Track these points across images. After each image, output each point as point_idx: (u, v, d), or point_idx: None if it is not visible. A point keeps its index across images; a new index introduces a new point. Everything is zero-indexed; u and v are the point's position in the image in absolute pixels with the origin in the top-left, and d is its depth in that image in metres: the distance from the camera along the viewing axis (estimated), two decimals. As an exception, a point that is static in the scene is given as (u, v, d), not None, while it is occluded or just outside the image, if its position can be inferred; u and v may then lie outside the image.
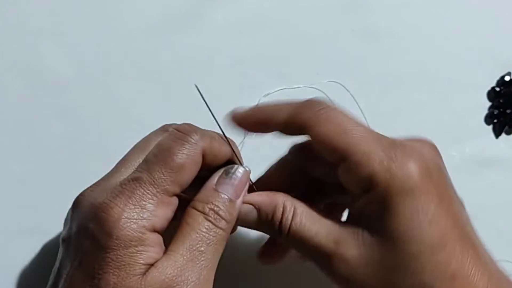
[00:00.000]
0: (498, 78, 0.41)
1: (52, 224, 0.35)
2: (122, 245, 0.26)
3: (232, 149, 0.30)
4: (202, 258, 0.27)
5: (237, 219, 0.29)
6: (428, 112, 0.40)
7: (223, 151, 0.30)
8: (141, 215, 0.26)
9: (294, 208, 0.29)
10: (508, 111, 0.40)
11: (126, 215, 0.26)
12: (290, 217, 0.29)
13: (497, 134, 0.41)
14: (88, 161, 0.38)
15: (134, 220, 0.26)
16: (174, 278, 0.26)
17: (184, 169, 0.28)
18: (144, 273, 0.26)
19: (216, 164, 0.30)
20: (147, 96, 0.39)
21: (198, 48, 0.40)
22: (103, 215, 0.26)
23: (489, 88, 0.41)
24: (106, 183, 0.28)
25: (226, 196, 0.29)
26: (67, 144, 0.38)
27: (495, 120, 0.40)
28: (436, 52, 0.41)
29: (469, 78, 0.41)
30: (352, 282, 0.27)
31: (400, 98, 0.41)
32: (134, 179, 0.27)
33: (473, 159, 0.40)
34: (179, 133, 0.29)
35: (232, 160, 0.30)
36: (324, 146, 0.28)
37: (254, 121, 0.31)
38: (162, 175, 0.27)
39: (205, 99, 0.30)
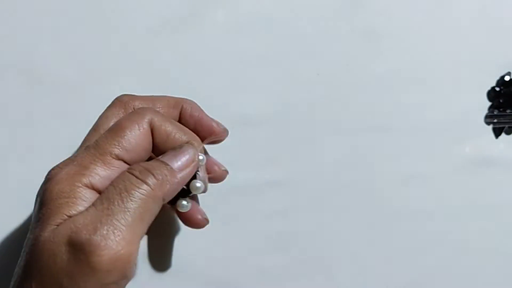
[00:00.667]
0: (498, 78, 0.41)
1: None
2: (53, 198, 0.26)
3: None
4: (118, 211, 0.26)
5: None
6: (428, 112, 0.40)
7: (177, 136, 0.30)
8: (79, 171, 0.27)
9: None
10: (508, 111, 0.40)
11: (64, 172, 0.27)
12: None
13: (497, 134, 0.41)
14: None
15: (71, 175, 0.27)
16: (82, 227, 0.25)
17: (126, 132, 0.28)
18: (58, 225, 0.26)
19: (169, 146, 0.30)
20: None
21: (198, 48, 0.40)
22: (47, 176, 0.28)
23: (489, 88, 0.41)
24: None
25: (167, 163, 0.29)
26: (67, 144, 0.38)
27: (495, 120, 0.40)
28: (436, 52, 0.41)
29: (469, 78, 0.41)
30: None
31: (400, 98, 0.40)
32: (84, 147, 0.29)
33: (473, 159, 0.40)
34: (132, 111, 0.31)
35: None
36: None
37: None
38: (106, 139, 0.28)
39: None
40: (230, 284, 0.38)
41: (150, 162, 0.28)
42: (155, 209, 0.27)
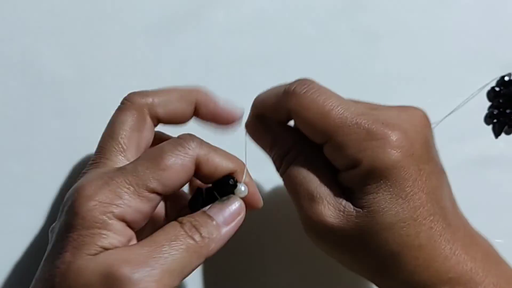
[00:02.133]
0: (498, 78, 0.41)
1: (52, 223, 0.35)
2: (86, 226, 0.26)
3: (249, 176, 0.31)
4: (161, 256, 0.26)
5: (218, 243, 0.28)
6: (428, 112, 0.40)
7: (224, 165, 0.30)
8: (113, 201, 0.26)
9: (299, 152, 0.30)
10: (508, 111, 0.40)
11: (97, 198, 0.26)
12: (292, 159, 0.30)
13: (497, 134, 0.41)
14: (88, 161, 0.38)
15: (104, 204, 0.26)
16: (122, 262, 0.25)
17: (169, 168, 0.27)
18: (96, 255, 0.25)
19: (217, 176, 0.30)
20: (147, 96, 0.39)
21: (198, 48, 0.40)
22: (76, 195, 0.26)
23: (489, 88, 0.41)
24: (92, 172, 0.28)
25: (213, 218, 0.28)
26: (67, 144, 0.38)
27: (495, 120, 0.41)
28: (436, 52, 0.41)
29: (469, 78, 0.41)
30: (324, 240, 0.30)
31: (400, 98, 0.40)
32: (118, 169, 0.28)
33: (473, 159, 0.40)
34: (177, 139, 0.29)
35: (235, 175, 0.30)
36: (307, 131, 0.30)
37: (257, 117, 0.33)
38: (145, 169, 0.27)
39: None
40: (230, 284, 0.38)
41: (197, 217, 0.28)
42: (196, 265, 0.27)
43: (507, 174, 0.40)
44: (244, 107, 0.33)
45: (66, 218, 0.27)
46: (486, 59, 0.41)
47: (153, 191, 0.27)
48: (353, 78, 0.40)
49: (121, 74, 0.39)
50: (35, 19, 0.39)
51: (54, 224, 0.28)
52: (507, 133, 0.41)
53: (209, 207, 0.29)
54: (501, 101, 0.41)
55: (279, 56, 0.40)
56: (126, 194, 0.27)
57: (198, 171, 0.29)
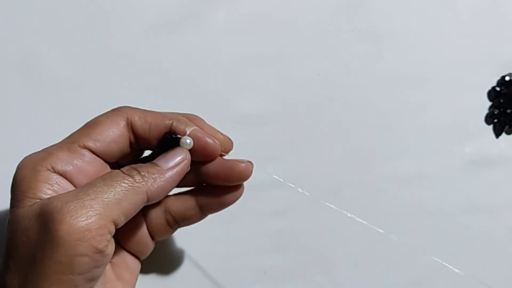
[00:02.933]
0: (498, 78, 0.41)
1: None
2: (20, 183, 0.27)
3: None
4: (94, 190, 0.26)
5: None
6: (428, 112, 0.40)
7: (158, 121, 0.30)
8: (44, 157, 0.28)
9: None
10: (508, 111, 0.40)
11: (31, 157, 0.28)
12: None
13: (497, 134, 0.41)
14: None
15: (34, 161, 0.28)
16: (53, 200, 0.26)
17: (98, 125, 0.29)
18: (33, 203, 0.26)
19: (154, 135, 0.30)
20: (147, 96, 0.39)
21: (198, 48, 0.40)
22: (18, 165, 0.28)
23: (489, 88, 0.41)
24: None
25: (156, 163, 0.29)
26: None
27: (495, 120, 0.40)
28: (436, 52, 0.41)
29: (469, 78, 0.41)
30: None
31: (400, 98, 0.40)
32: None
33: (473, 159, 0.40)
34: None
35: (176, 129, 0.30)
36: None
37: None
38: (77, 130, 0.29)
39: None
40: (230, 284, 0.38)
41: (140, 164, 0.29)
42: (135, 201, 0.27)
43: (507, 174, 0.40)
44: (240, 110, 0.33)
45: (11, 185, 0.28)
46: (486, 59, 0.41)
47: (84, 147, 0.29)
48: (353, 78, 0.40)
49: (121, 74, 0.39)
50: (35, 19, 0.39)
51: None
52: (508, 133, 0.41)
53: (155, 159, 0.30)
54: (501, 101, 0.40)
55: (279, 56, 0.40)
56: (57, 150, 0.28)
57: (135, 135, 0.30)
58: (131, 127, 0.30)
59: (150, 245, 0.32)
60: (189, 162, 0.30)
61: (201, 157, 0.31)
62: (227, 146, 0.32)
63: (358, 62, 0.41)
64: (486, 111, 0.41)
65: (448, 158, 0.40)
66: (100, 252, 0.25)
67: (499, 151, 0.41)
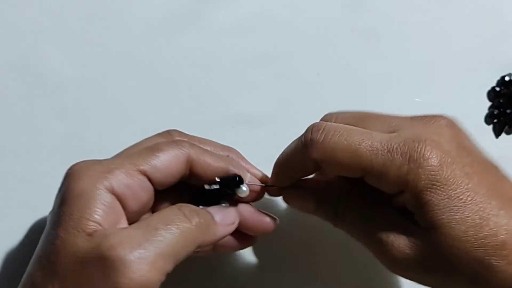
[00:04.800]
0: (498, 78, 0.41)
1: (52, 224, 0.35)
2: (75, 196, 0.26)
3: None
4: (157, 239, 0.26)
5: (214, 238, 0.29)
6: (428, 112, 0.40)
7: (216, 164, 0.31)
8: (103, 174, 0.27)
9: (346, 199, 0.30)
10: (508, 111, 0.40)
11: (88, 172, 0.27)
12: (344, 206, 0.30)
13: (497, 134, 0.41)
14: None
15: (94, 177, 0.27)
16: (117, 243, 0.25)
17: (161, 155, 0.29)
18: (91, 234, 0.26)
19: (211, 175, 0.30)
20: (147, 96, 0.39)
21: (198, 48, 0.40)
22: (69, 171, 0.28)
23: (489, 88, 0.41)
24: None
25: (211, 213, 0.29)
26: (67, 144, 0.38)
27: (495, 120, 0.40)
28: (436, 52, 0.41)
29: (469, 78, 0.41)
30: (412, 272, 0.29)
31: (400, 98, 0.40)
32: (115, 155, 0.30)
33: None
34: (172, 141, 0.31)
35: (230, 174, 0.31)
36: (342, 173, 0.29)
37: (284, 179, 0.32)
38: (138, 154, 0.29)
39: None
40: (230, 283, 0.38)
41: (197, 208, 0.29)
42: (190, 250, 0.27)
43: (507, 174, 0.40)
44: (241, 110, 0.33)
45: (59, 194, 0.28)
46: (486, 59, 0.41)
47: (143, 173, 0.28)
48: (353, 78, 0.40)
49: (121, 74, 0.39)
50: (35, 19, 0.39)
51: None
52: (508, 133, 0.41)
53: (209, 208, 0.30)
54: (501, 101, 0.40)
55: (279, 56, 0.40)
56: (116, 170, 0.28)
57: (191, 171, 0.30)
58: (190, 165, 0.30)
59: None
60: (236, 225, 0.31)
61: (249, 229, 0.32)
62: (265, 182, 0.33)
63: (358, 62, 0.41)
64: (486, 111, 0.41)
65: (448, 158, 0.40)
66: None
67: (499, 151, 0.40)
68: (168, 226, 0.27)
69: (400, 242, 0.28)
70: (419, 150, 0.28)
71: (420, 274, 0.29)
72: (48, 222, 0.28)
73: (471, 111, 0.41)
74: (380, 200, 0.30)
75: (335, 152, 0.28)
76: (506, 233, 0.27)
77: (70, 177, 0.28)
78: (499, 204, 0.27)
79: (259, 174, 0.33)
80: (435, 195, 0.27)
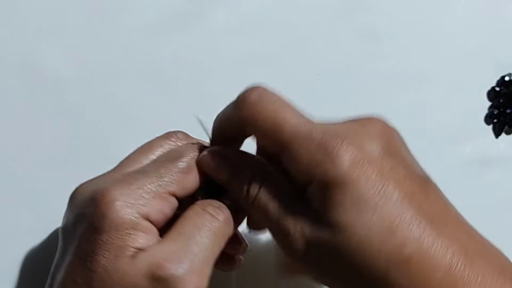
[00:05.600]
0: (498, 78, 0.41)
1: (52, 223, 0.35)
2: (114, 227, 0.26)
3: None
4: (196, 246, 0.27)
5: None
6: (428, 112, 0.40)
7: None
8: (137, 201, 0.27)
9: (265, 180, 0.28)
10: (508, 111, 0.40)
11: (122, 199, 0.26)
12: (258, 186, 0.28)
13: (497, 134, 0.41)
14: (88, 161, 0.38)
15: (129, 205, 0.26)
16: (163, 261, 0.26)
17: (189, 172, 0.29)
18: (134, 256, 0.26)
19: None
20: (147, 96, 0.39)
21: (198, 48, 0.40)
22: (99, 198, 0.27)
23: (489, 88, 0.41)
24: (107, 176, 0.29)
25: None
26: (67, 144, 0.38)
27: (495, 120, 0.40)
28: (436, 52, 0.41)
29: (469, 78, 0.41)
30: (307, 267, 0.27)
31: (400, 98, 0.40)
32: (139, 171, 0.28)
33: (473, 159, 0.40)
34: (191, 139, 0.31)
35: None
36: (261, 140, 0.29)
37: (218, 138, 0.31)
38: (167, 171, 0.28)
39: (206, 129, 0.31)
40: (229, 283, 0.38)
41: (217, 203, 0.29)
42: (222, 245, 0.28)
43: (507, 174, 0.40)
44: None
45: (92, 220, 0.27)
46: (486, 59, 0.41)
47: (173, 194, 0.28)
48: (353, 78, 0.40)
49: (121, 74, 0.39)
50: (35, 19, 0.39)
51: (65, 224, 0.29)
52: (507, 133, 0.41)
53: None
54: (501, 101, 0.40)
55: (279, 56, 0.40)
56: (149, 195, 0.27)
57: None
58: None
59: None
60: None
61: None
62: None
63: (358, 62, 0.41)
64: (486, 111, 0.41)
65: (448, 158, 0.40)
66: None
67: (499, 151, 0.41)
68: (201, 230, 0.27)
69: (307, 236, 0.26)
70: (335, 145, 0.26)
71: (322, 276, 0.28)
72: (76, 246, 0.27)
73: (471, 111, 0.41)
74: (294, 190, 0.28)
75: (260, 117, 0.28)
76: (412, 248, 0.25)
77: (104, 206, 0.27)
78: (413, 216, 0.25)
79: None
80: (340, 194, 0.25)
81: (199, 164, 0.29)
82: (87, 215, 0.27)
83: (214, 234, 0.27)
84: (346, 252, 0.25)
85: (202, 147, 0.30)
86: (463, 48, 0.41)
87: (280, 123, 0.27)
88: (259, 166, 0.29)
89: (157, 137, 0.32)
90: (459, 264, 0.25)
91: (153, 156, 0.30)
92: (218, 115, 0.31)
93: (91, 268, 0.26)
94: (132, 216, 0.26)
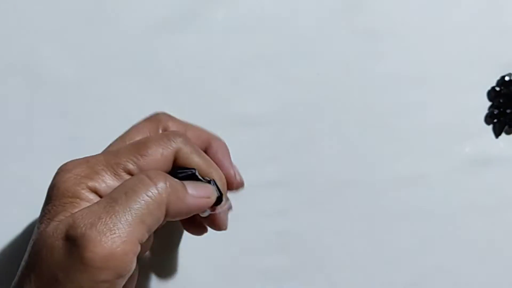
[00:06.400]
0: (498, 78, 0.41)
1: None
2: (59, 196, 0.27)
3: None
4: (121, 209, 0.25)
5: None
6: (428, 112, 0.40)
7: (203, 169, 0.30)
8: (88, 175, 0.27)
9: None
10: (508, 111, 0.40)
11: (74, 171, 0.27)
12: None
13: (497, 134, 0.41)
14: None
15: (79, 177, 0.27)
16: (78, 221, 0.25)
17: (149, 155, 0.28)
18: (62, 220, 0.26)
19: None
20: (147, 96, 0.39)
21: (198, 48, 0.40)
22: (58, 170, 0.28)
23: (489, 88, 0.41)
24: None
25: (183, 183, 0.29)
26: (67, 144, 0.38)
27: (495, 120, 0.40)
28: (436, 52, 0.41)
29: (469, 78, 0.41)
30: None
31: (400, 98, 0.40)
32: (103, 152, 0.29)
33: (473, 159, 0.40)
34: (165, 132, 0.31)
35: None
36: None
37: None
38: (127, 152, 0.28)
39: None
40: (230, 284, 0.38)
41: (166, 174, 0.28)
42: (158, 216, 0.27)
43: (507, 174, 0.40)
44: (240, 110, 0.33)
45: (47, 192, 0.28)
46: (486, 59, 0.41)
47: (129, 173, 0.28)
48: (353, 78, 0.40)
49: (121, 74, 0.39)
50: (35, 19, 0.39)
51: None
52: (508, 133, 0.41)
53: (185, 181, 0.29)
54: (501, 101, 0.40)
55: (279, 56, 0.40)
56: (102, 170, 0.28)
57: (175, 163, 0.29)
58: (175, 156, 0.29)
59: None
60: (211, 202, 0.30)
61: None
62: (237, 188, 0.33)
63: (358, 62, 0.41)
64: (486, 111, 0.41)
65: (448, 158, 0.40)
66: (123, 276, 0.25)
67: (499, 151, 0.41)
68: (130, 193, 0.26)
69: None
70: None
71: None
72: (37, 221, 0.28)
73: (471, 111, 0.41)
74: None
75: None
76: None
77: (57, 176, 0.28)
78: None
79: (233, 178, 0.32)
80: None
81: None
82: (48, 188, 0.28)
83: (145, 199, 0.26)
84: None
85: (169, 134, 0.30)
86: (463, 48, 0.41)
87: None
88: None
89: (143, 120, 0.32)
90: None
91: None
92: None
93: (33, 237, 0.27)
94: (78, 186, 0.27)
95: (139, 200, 0.26)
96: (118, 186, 0.27)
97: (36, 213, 0.36)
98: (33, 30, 0.39)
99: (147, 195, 0.26)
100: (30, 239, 0.36)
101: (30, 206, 0.36)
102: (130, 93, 0.39)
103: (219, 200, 0.30)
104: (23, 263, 0.27)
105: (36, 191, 0.37)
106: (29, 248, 0.27)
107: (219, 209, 0.31)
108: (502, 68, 0.41)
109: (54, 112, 0.38)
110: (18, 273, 0.27)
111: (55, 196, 0.27)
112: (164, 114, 0.33)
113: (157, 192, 0.27)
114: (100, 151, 0.38)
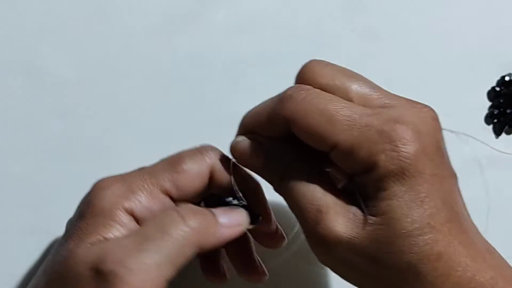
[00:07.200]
0: (498, 78, 0.41)
1: (52, 224, 0.35)
2: (93, 214, 0.26)
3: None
4: (151, 247, 0.25)
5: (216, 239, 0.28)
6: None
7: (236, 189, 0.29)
8: (125, 194, 0.27)
9: (298, 167, 0.28)
10: (508, 111, 0.40)
11: (111, 189, 0.27)
12: (291, 174, 0.28)
13: (497, 134, 0.41)
14: (88, 161, 0.38)
15: (115, 196, 0.27)
16: (108, 255, 0.24)
17: (185, 172, 0.28)
18: (92, 245, 0.25)
19: (227, 185, 0.29)
20: (147, 96, 0.39)
21: (198, 48, 0.40)
22: (93, 186, 0.27)
23: (489, 88, 0.41)
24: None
25: (214, 213, 0.28)
26: (67, 144, 0.38)
27: (495, 120, 0.40)
28: (436, 52, 0.41)
29: (469, 78, 0.41)
30: (333, 256, 0.27)
31: (400, 98, 0.40)
32: (139, 168, 0.29)
33: (473, 159, 0.40)
34: (197, 148, 0.30)
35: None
36: (309, 139, 0.27)
37: (247, 134, 0.30)
38: (162, 170, 0.28)
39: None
40: (229, 285, 0.38)
41: (198, 207, 0.28)
42: (188, 255, 0.26)
43: (507, 174, 0.40)
44: (240, 111, 0.32)
45: (79, 207, 0.27)
46: (486, 59, 0.41)
47: (166, 192, 0.28)
48: (353, 78, 0.40)
49: (121, 74, 0.39)
50: (35, 19, 0.39)
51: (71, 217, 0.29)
52: (508, 133, 0.41)
53: (215, 208, 0.29)
54: (501, 101, 0.40)
55: (279, 56, 0.40)
56: (139, 190, 0.27)
57: (210, 179, 0.29)
58: (212, 176, 0.29)
59: None
60: (245, 229, 0.29)
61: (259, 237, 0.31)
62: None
63: (358, 62, 0.41)
64: (486, 111, 0.41)
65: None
66: None
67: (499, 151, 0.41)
68: (161, 231, 0.25)
69: (338, 218, 0.26)
70: (399, 131, 0.25)
71: (345, 266, 0.27)
72: (64, 233, 0.28)
73: (471, 111, 0.41)
74: (330, 180, 0.28)
75: (309, 114, 0.26)
76: (443, 247, 0.25)
77: (92, 193, 0.27)
78: (446, 217, 0.26)
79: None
80: (399, 185, 0.25)
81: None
82: (80, 203, 0.28)
83: (176, 239, 0.25)
84: (382, 243, 0.25)
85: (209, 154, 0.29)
86: (463, 48, 0.41)
87: (331, 115, 0.26)
88: (296, 152, 0.28)
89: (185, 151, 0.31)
90: (487, 277, 0.26)
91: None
92: (250, 113, 0.30)
93: (60, 252, 0.26)
94: (114, 207, 0.26)
95: (169, 240, 0.25)
96: (151, 220, 0.26)
97: (36, 213, 0.36)
98: (33, 30, 0.39)
99: (178, 234, 0.26)
100: (30, 239, 0.36)
101: (30, 206, 0.37)
102: (130, 93, 0.39)
103: (255, 219, 0.29)
104: (42, 276, 0.27)
105: (36, 191, 0.37)
106: (51, 260, 0.27)
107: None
108: (502, 68, 0.41)
109: (54, 112, 0.38)
110: (37, 281, 0.27)
111: (90, 214, 0.26)
112: (214, 150, 0.31)
113: (188, 230, 0.26)
114: (100, 151, 0.38)
